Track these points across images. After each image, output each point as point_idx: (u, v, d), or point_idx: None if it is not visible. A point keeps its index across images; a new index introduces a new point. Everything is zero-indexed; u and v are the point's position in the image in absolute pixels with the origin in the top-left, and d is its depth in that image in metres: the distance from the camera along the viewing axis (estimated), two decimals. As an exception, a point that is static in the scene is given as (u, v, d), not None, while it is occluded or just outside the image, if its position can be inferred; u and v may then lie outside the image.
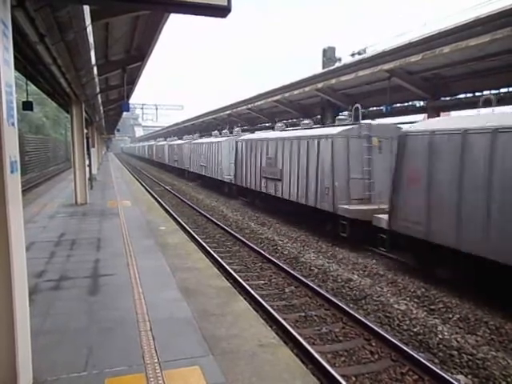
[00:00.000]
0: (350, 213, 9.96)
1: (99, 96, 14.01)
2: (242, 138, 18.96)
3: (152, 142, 55.57)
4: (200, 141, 27.32)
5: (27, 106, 12.36)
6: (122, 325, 4.22)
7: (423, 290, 7.20)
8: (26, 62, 7.69)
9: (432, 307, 6.48)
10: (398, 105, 15.84)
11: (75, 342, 3.87)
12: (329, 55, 19.63)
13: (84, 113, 13.85)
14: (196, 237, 10.72)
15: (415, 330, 5.72)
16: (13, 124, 2.62)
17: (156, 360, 3.49)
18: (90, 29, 5.49)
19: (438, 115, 14.49)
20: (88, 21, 5.16)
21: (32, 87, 13.36)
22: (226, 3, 2.73)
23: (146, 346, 3.75)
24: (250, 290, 6.89)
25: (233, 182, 19.42)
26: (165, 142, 40.87)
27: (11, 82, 2.64)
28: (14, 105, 2.67)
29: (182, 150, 31.45)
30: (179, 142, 34.57)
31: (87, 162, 14.44)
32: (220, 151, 21.52)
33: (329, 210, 10.75)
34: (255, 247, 9.88)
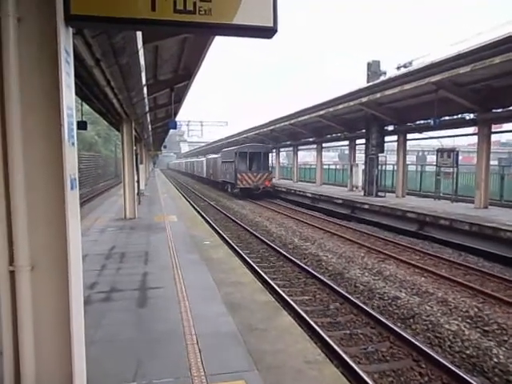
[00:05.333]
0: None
1: (148, 114, 14.58)
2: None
3: (194, 159, 61.19)
4: (230, 148, 31.25)
5: (81, 125, 13.04)
6: (169, 337, 4.33)
7: (476, 310, 6.88)
8: (82, 85, 8.17)
9: (486, 328, 6.18)
10: (447, 118, 15.41)
11: (125, 352, 4.01)
12: (373, 69, 19.47)
13: (134, 131, 14.43)
14: (240, 251, 10.83)
15: (468, 352, 5.47)
16: (73, 144, 2.80)
17: (202, 373, 3.55)
18: (141, 52, 5.78)
19: (490, 128, 13.98)
20: (140, 44, 5.44)
21: (85, 107, 14.12)
22: (271, 24, 2.70)
23: (192, 358, 3.81)
24: (294, 305, 6.86)
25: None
26: (203, 158, 46.28)
27: (72, 105, 2.82)
28: (75, 126, 2.86)
29: (216, 163, 34.72)
30: (214, 156, 37.92)
31: (136, 178, 14.96)
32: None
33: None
34: (299, 262, 9.85)
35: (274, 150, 33.68)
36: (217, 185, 33.97)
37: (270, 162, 27.81)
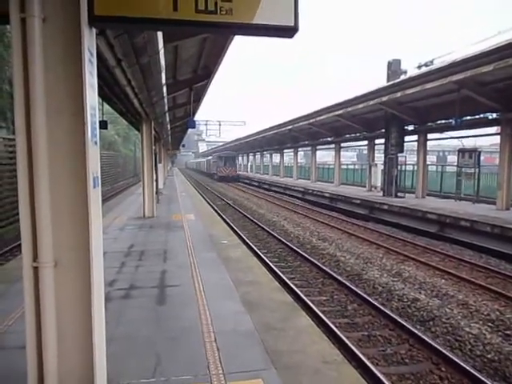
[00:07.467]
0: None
1: (167, 114, 14.70)
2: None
3: (201, 159, 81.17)
4: (215, 154, 54.81)
5: (102, 125, 13.27)
6: (187, 334, 4.36)
7: (498, 313, 6.75)
8: (104, 85, 8.28)
9: (508, 332, 6.05)
10: (469, 117, 15.13)
11: (144, 349, 4.05)
12: (394, 68, 19.25)
13: (153, 130, 14.56)
14: (256, 250, 10.84)
15: (489, 356, 5.36)
16: (96, 143, 2.84)
17: (221, 371, 3.56)
18: (162, 52, 5.83)
19: (513, 128, 13.70)
20: (161, 44, 5.49)
21: (106, 107, 14.32)
22: (292, 24, 2.69)
23: (210, 356, 3.83)
24: (311, 305, 6.83)
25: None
26: (205, 159, 66.99)
27: (95, 105, 2.87)
28: (97, 125, 2.90)
29: (209, 162, 56.08)
30: (210, 157, 58.78)
31: (155, 177, 15.07)
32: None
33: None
34: (317, 262, 9.81)
35: (240, 155, 61.83)
36: (210, 175, 53.65)
37: (235, 161, 48.97)
